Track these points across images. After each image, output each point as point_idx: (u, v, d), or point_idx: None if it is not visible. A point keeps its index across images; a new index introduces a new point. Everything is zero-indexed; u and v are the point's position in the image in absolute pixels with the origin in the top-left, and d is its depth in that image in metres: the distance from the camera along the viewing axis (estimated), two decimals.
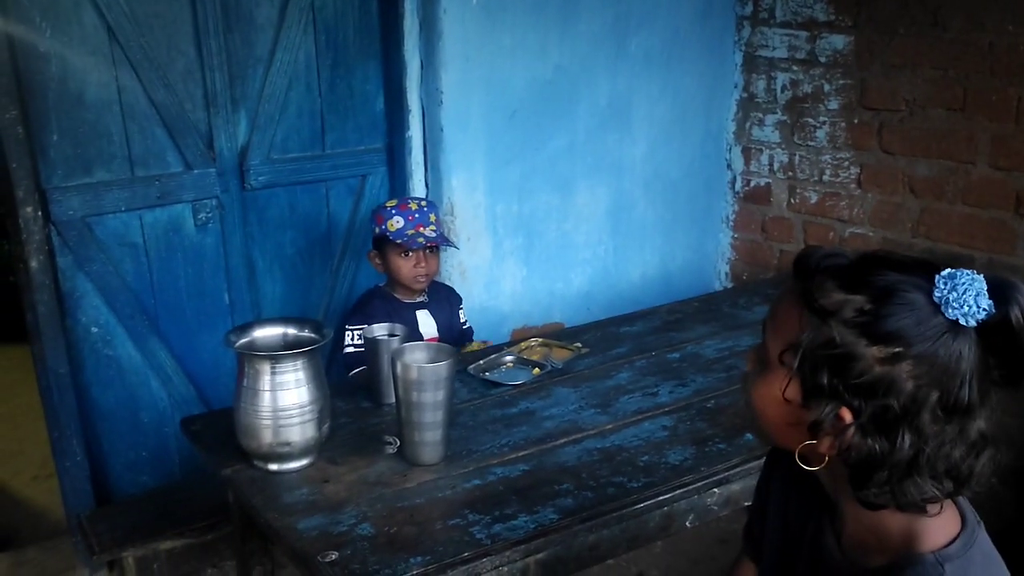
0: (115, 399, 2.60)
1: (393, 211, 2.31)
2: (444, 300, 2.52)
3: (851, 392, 0.87)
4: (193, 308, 2.69)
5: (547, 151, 3.08)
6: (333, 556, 1.43)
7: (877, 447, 0.87)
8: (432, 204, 2.42)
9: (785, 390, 0.93)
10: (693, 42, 3.29)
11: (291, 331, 1.77)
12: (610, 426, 1.89)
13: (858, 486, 0.91)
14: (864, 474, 0.89)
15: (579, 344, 2.32)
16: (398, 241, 2.28)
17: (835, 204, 3.17)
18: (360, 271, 2.93)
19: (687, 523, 1.70)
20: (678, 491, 1.65)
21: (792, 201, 3.32)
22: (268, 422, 1.65)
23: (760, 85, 3.33)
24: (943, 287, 0.86)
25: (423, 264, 2.33)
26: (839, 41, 3.02)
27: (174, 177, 2.57)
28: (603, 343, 2.36)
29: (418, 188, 2.95)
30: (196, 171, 2.60)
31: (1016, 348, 0.86)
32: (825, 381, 0.88)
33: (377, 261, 2.41)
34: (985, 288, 0.85)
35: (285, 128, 2.74)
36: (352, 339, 2.31)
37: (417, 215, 2.31)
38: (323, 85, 2.79)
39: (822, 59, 3.09)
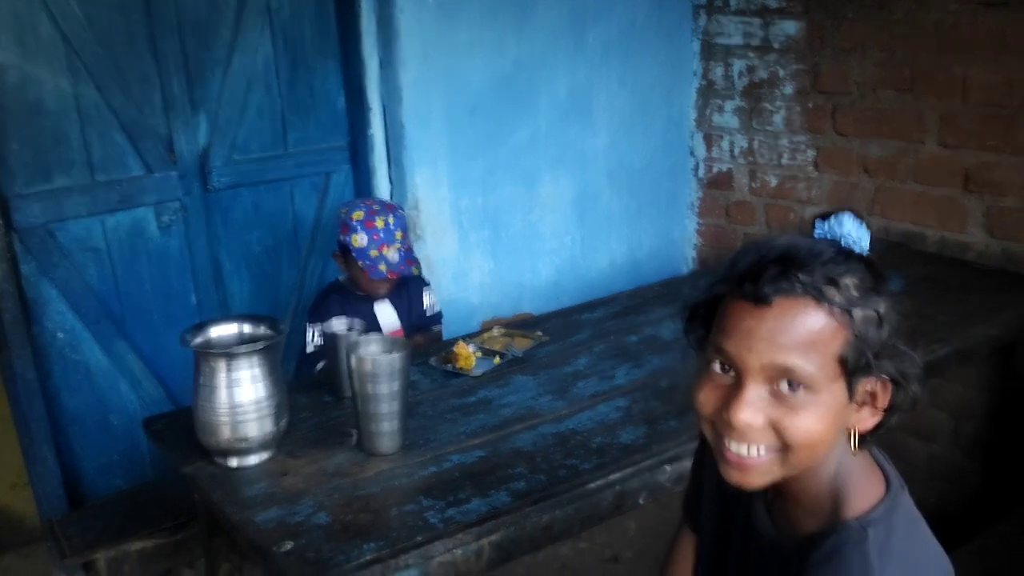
0: (84, 403, 2.62)
1: (358, 226, 2.27)
2: (405, 287, 2.47)
3: (882, 353, 0.92)
4: (160, 310, 2.72)
5: (510, 144, 3.11)
6: (288, 546, 1.46)
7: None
8: (400, 218, 2.34)
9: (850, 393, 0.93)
10: (651, 32, 3.33)
11: (247, 328, 1.80)
12: (566, 411, 1.93)
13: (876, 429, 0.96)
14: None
15: (540, 332, 2.36)
16: (359, 263, 2.28)
17: (794, 186, 3.22)
18: (328, 267, 2.95)
19: (640, 500, 1.74)
20: (628, 470, 1.69)
21: (753, 185, 3.37)
22: (226, 418, 1.68)
23: (718, 72, 3.37)
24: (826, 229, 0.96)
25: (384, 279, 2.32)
26: (791, 27, 3.07)
27: (135, 181, 2.59)
28: (564, 331, 2.40)
29: (382, 184, 2.98)
30: (157, 174, 2.62)
31: None
32: (870, 356, 0.91)
33: (341, 262, 2.39)
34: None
35: (246, 129, 2.77)
36: (312, 337, 2.33)
37: (382, 234, 2.27)
38: (283, 86, 2.81)
39: (776, 45, 3.14)
